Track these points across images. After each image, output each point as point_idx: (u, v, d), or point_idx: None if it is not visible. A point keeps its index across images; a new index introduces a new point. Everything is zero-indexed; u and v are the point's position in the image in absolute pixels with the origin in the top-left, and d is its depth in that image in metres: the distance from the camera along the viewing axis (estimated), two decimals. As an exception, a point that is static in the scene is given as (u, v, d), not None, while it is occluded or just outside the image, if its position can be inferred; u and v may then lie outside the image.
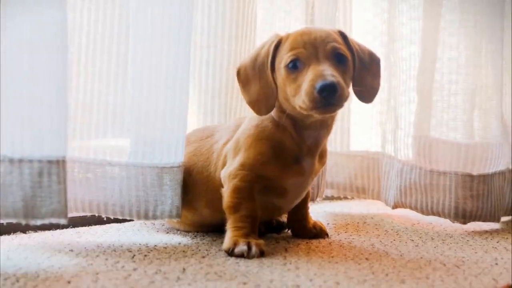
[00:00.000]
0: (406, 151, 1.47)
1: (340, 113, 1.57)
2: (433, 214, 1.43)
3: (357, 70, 1.11)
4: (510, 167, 1.51)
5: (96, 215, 1.18)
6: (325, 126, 1.13)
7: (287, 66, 1.06)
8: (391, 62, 1.51)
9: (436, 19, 1.46)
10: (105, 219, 1.23)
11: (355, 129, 1.65)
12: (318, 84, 1.00)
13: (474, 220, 1.41)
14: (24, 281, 0.87)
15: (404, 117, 1.48)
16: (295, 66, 1.06)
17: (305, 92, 1.02)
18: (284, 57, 1.07)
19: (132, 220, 1.30)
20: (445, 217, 1.42)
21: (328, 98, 1.00)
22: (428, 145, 1.46)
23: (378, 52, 1.55)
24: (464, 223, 1.41)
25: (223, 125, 1.28)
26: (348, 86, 1.07)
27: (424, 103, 1.47)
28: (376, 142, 1.60)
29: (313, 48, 1.05)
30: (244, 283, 0.89)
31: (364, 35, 1.61)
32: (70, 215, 1.26)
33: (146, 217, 1.16)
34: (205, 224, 1.24)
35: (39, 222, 0.99)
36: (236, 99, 1.43)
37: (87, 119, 1.17)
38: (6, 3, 0.96)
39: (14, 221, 0.99)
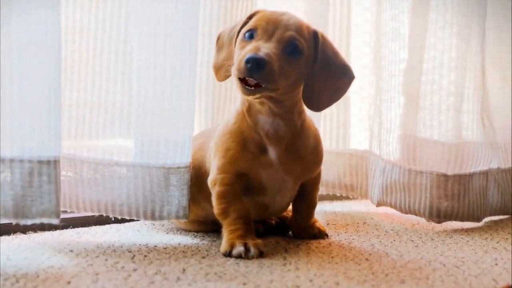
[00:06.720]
0: (388, 150, 1.48)
1: (329, 113, 1.59)
2: (411, 213, 1.44)
3: (314, 73, 1.10)
4: (502, 167, 1.53)
5: (98, 214, 1.19)
6: (279, 115, 1.11)
7: (244, 33, 1.08)
8: (378, 64, 1.51)
9: (424, 20, 1.46)
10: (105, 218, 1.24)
11: (348, 129, 1.65)
12: (248, 55, 1.00)
13: (449, 219, 1.42)
14: (24, 282, 0.87)
15: (388, 116, 1.48)
16: (250, 36, 1.07)
17: (237, 60, 1.03)
18: (246, 26, 1.09)
19: (133, 220, 1.30)
20: (420, 216, 1.43)
21: (251, 72, 1.00)
22: (409, 144, 1.47)
23: (371, 51, 1.57)
24: (439, 222, 1.42)
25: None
26: (287, 78, 1.05)
27: (410, 102, 1.47)
28: (366, 141, 1.61)
29: (273, 28, 1.06)
30: (244, 284, 0.89)
31: (362, 34, 1.61)
32: (72, 215, 1.28)
33: (153, 217, 1.17)
34: (209, 219, 1.23)
35: (29, 222, 0.99)
36: (224, 98, 1.43)
37: (95, 119, 1.18)
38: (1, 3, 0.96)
39: (4, 220, 1.00)
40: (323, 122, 1.58)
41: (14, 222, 0.99)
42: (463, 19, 1.45)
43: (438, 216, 1.41)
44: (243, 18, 1.13)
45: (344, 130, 1.62)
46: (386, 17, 1.48)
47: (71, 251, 1.07)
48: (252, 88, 1.02)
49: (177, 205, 1.17)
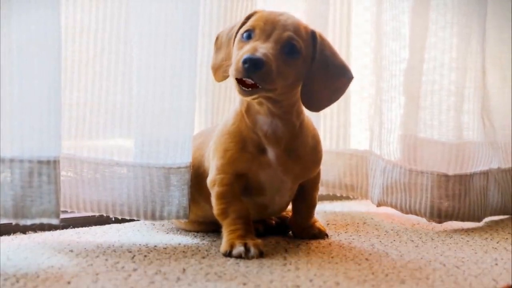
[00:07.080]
0: (388, 150, 1.48)
1: (329, 113, 1.59)
2: (411, 213, 1.44)
3: (312, 73, 1.09)
4: (502, 167, 1.53)
5: (98, 214, 1.19)
6: (278, 115, 1.11)
7: (242, 34, 1.08)
8: (378, 64, 1.51)
9: (424, 20, 1.47)
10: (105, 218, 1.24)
11: (349, 129, 1.65)
12: (245, 55, 1.00)
13: (450, 219, 1.42)
14: (24, 282, 0.87)
15: (388, 116, 1.48)
16: (248, 37, 1.07)
17: (235, 61, 1.03)
18: (244, 26, 1.09)
19: (133, 220, 1.30)
20: (421, 216, 1.43)
21: (249, 72, 1.00)
22: (410, 144, 1.47)
23: (372, 52, 1.57)
24: (440, 222, 1.43)
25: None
26: (285, 79, 1.05)
27: (411, 102, 1.47)
28: (366, 141, 1.61)
29: (271, 28, 1.06)
30: (244, 284, 0.89)
31: (362, 34, 1.61)
32: (72, 215, 1.28)
33: (153, 217, 1.17)
34: (208, 219, 1.23)
35: (29, 222, 0.99)
36: (223, 98, 1.44)
37: (95, 119, 1.18)
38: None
39: (4, 220, 1.00)
40: (323, 122, 1.58)
41: (14, 222, 0.99)
42: (464, 19, 1.45)
43: (439, 216, 1.42)
44: (242, 18, 1.13)
45: (344, 130, 1.62)
46: (386, 17, 1.48)
47: (71, 251, 1.07)
48: (249, 89, 1.02)
49: (178, 205, 1.17)
